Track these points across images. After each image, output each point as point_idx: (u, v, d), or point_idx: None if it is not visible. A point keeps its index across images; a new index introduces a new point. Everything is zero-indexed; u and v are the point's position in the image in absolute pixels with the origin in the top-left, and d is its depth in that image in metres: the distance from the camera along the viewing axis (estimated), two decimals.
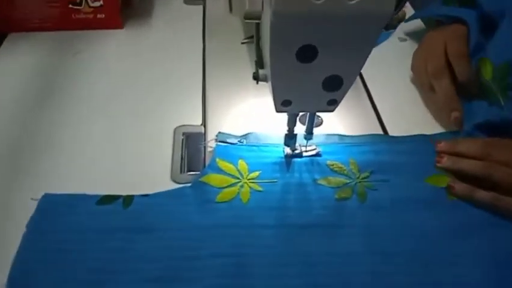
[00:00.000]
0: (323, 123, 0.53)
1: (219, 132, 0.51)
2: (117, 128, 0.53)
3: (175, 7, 0.74)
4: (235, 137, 0.51)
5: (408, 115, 0.56)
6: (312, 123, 0.46)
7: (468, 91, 0.54)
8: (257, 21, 0.36)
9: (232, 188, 0.46)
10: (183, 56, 0.64)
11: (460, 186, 0.46)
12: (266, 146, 0.50)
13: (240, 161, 0.48)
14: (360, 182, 0.47)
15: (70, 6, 0.64)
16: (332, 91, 0.40)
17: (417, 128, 0.53)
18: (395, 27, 0.40)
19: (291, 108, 0.41)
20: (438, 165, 0.48)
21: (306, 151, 0.49)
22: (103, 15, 0.66)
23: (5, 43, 0.65)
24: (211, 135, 0.52)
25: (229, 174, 0.47)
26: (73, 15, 0.65)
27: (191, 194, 0.45)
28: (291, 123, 0.46)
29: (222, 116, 0.54)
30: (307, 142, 0.48)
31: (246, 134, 0.51)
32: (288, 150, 0.49)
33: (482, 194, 0.45)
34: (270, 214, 0.44)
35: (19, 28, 0.66)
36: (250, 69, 0.44)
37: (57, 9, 0.64)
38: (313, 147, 0.49)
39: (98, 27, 0.66)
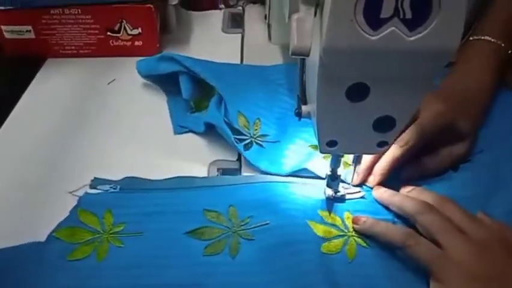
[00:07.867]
0: None
1: (95, 178, 0.46)
2: (149, 159, 0.50)
3: (213, 35, 0.72)
4: (110, 182, 0.46)
5: None
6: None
7: None
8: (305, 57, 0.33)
9: (90, 244, 0.41)
10: None
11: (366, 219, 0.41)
12: (148, 191, 0.45)
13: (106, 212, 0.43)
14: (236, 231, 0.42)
15: (108, 33, 0.64)
16: (383, 132, 0.36)
17: None
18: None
19: (337, 149, 0.38)
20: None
21: (349, 193, 0.45)
22: (141, 43, 0.65)
23: (43, 68, 0.65)
24: (245, 171, 0.49)
25: (90, 228, 0.42)
26: (110, 43, 0.65)
27: (42, 251, 0.40)
28: (335, 164, 0.42)
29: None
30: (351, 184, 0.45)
31: (121, 179, 0.46)
32: (329, 192, 0.45)
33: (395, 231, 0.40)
34: (125, 273, 0.39)
35: (57, 54, 0.65)
36: None
37: (96, 36, 0.64)
38: (358, 189, 0.45)
39: (135, 54, 0.64)
